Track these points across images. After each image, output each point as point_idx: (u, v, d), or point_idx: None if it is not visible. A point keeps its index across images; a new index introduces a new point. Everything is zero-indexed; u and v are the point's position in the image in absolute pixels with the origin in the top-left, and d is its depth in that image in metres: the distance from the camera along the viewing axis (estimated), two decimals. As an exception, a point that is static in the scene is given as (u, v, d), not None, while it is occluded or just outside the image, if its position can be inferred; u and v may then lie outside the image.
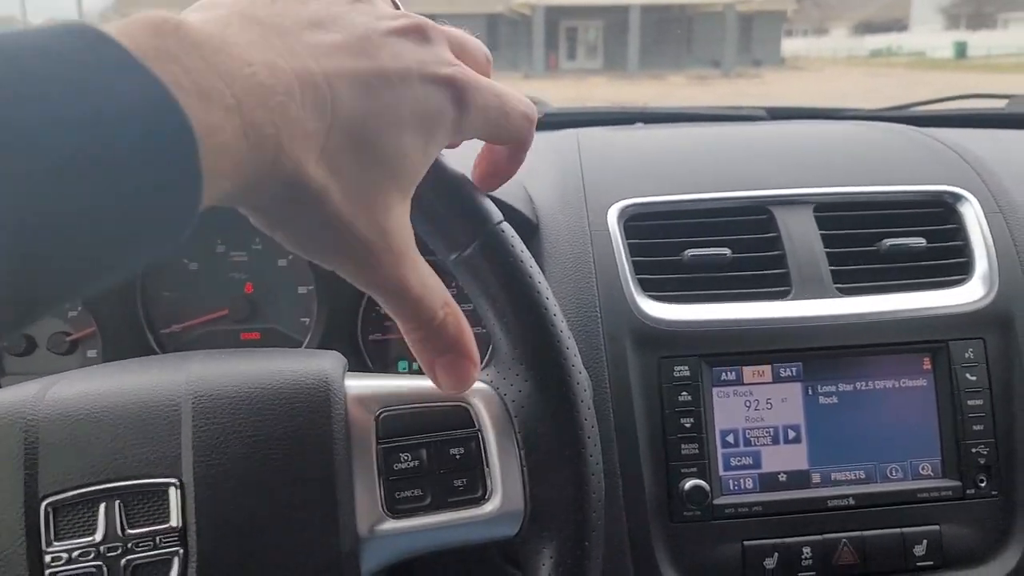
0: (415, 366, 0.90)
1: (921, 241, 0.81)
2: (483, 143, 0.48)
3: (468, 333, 0.43)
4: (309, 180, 0.33)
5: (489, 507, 0.50)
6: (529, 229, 0.83)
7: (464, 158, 0.50)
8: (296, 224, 0.36)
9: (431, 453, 0.50)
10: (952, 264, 0.81)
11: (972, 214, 0.83)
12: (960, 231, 0.83)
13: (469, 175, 0.50)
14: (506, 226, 0.51)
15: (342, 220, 0.35)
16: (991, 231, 0.82)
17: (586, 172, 0.88)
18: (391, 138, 0.35)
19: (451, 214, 0.49)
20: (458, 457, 0.50)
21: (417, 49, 0.37)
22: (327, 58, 0.33)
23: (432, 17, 0.40)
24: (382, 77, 0.35)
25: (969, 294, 0.79)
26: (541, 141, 1.04)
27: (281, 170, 0.32)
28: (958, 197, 0.84)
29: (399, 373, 0.88)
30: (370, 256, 0.37)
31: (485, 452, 0.51)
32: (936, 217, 0.84)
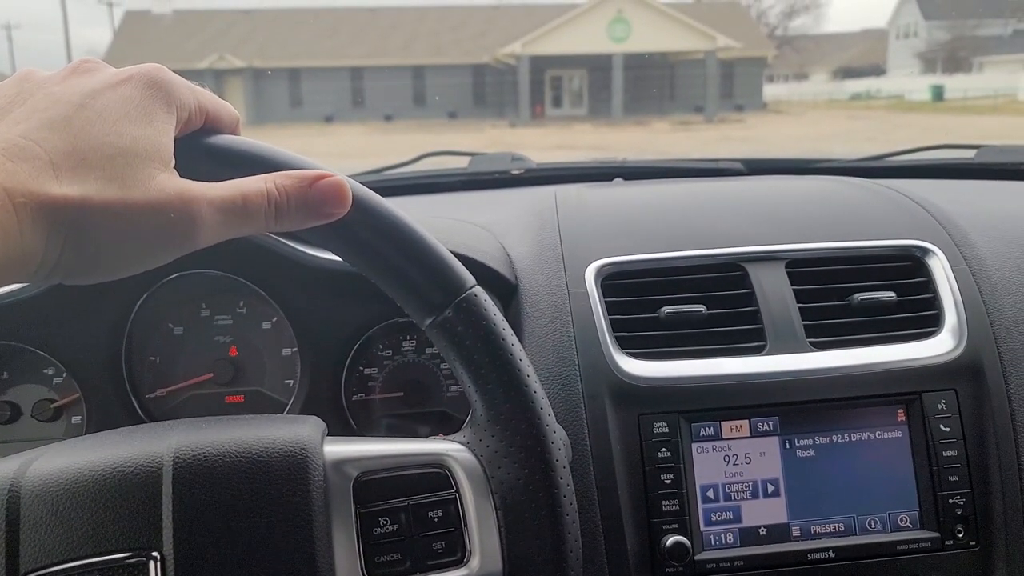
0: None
1: (891, 295, 0.83)
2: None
3: (301, 174, 0.45)
4: (61, 197, 0.37)
5: (468, 569, 0.51)
6: (509, 290, 0.85)
7: (432, 217, 0.51)
8: (96, 244, 0.39)
9: (409, 517, 0.51)
10: (922, 317, 0.83)
11: (940, 267, 0.85)
12: (929, 284, 0.85)
13: (436, 238, 0.51)
14: (479, 290, 0.52)
15: (121, 205, 0.39)
16: (958, 284, 0.84)
17: (564, 231, 0.90)
18: (114, 136, 0.40)
19: (424, 280, 0.51)
20: (436, 520, 0.51)
21: (94, 75, 0.42)
22: (16, 125, 0.39)
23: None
24: (71, 105, 0.40)
25: (940, 346, 0.81)
26: (520, 199, 1.06)
27: (26, 209, 0.36)
28: (926, 251, 0.87)
29: (381, 435, 0.89)
30: (172, 215, 0.40)
31: (463, 514, 0.51)
32: (905, 271, 0.86)
